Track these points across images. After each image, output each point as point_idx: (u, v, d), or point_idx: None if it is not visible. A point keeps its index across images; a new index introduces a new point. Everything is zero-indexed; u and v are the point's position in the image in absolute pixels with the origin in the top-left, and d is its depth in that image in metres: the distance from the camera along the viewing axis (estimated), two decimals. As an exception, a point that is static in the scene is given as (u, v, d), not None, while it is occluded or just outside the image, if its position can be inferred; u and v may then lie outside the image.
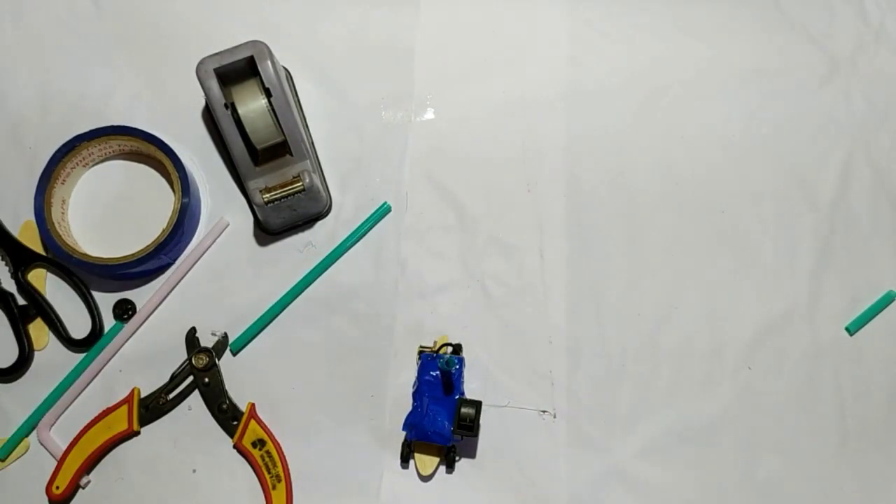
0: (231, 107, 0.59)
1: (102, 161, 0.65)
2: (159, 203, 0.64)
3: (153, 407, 0.61)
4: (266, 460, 0.59)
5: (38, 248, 0.63)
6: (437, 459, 0.59)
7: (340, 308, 0.63)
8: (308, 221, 0.65)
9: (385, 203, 0.65)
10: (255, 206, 0.61)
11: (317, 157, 0.66)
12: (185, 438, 0.61)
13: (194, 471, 0.60)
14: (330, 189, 0.66)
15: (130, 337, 0.62)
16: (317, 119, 0.67)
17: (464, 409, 0.57)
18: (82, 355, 0.62)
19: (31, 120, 0.66)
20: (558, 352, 0.62)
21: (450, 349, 0.61)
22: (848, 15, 0.70)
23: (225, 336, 0.62)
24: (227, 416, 0.60)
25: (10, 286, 0.63)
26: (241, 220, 0.65)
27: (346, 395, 0.61)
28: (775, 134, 0.67)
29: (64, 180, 0.63)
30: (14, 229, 0.64)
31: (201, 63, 0.59)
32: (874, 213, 0.66)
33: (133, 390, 0.61)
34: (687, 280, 0.64)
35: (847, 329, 0.63)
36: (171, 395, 0.61)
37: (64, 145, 0.62)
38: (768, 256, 0.65)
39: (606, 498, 0.59)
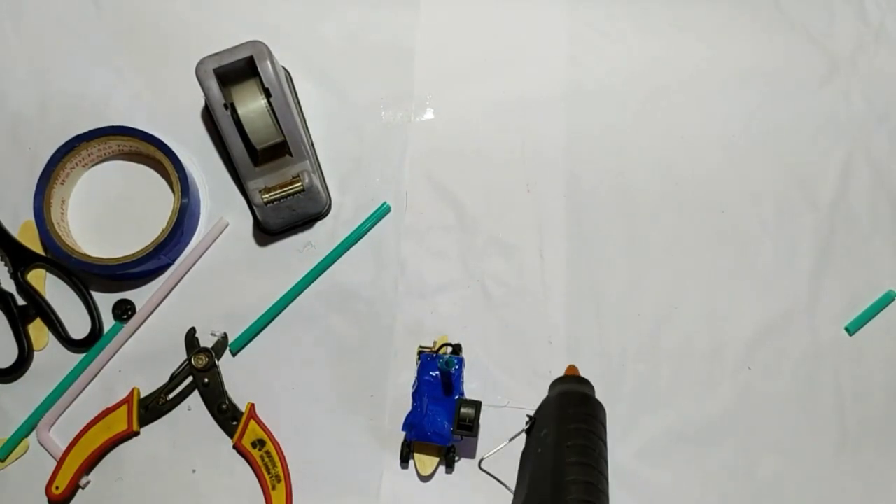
0: (231, 107, 0.59)
1: (102, 161, 0.65)
2: (159, 203, 0.64)
3: (153, 407, 0.61)
4: (266, 460, 0.59)
5: (37, 248, 0.63)
6: (436, 459, 0.59)
7: (340, 308, 0.63)
8: (308, 221, 0.65)
9: (385, 203, 0.65)
10: (254, 207, 0.61)
11: (316, 157, 0.66)
12: (184, 439, 0.60)
13: (194, 471, 0.60)
14: (329, 189, 0.65)
15: (130, 337, 0.62)
16: (316, 119, 0.67)
17: (463, 410, 0.57)
18: (82, 355, 0.62)
19: (30, 120, 0.66)
20: (558, 352, 0.62)
21: (449, 349, 0.61)
22: (848, 15, 0.70)
23: (224, 336, 0.62)
24: (227, 416, 0.60)
25: (10, 286, 0.63)
26: (241, 220, 0.65)
27: (346, 396, 0.61)
28: (775, 134, 0.67)
29: (63, 180, 0.63)
30: (13, 229, 0.64)
31: (201, 63, 0.59)
32: (874, 213, 0.66)
33: (132, 390, 0.61)
34: (687, 280, 0.64)
35: (847, 329, 0.63)
36: (171, 396, 0.61)
37: (63, 145, 0.62)
38: (768, 256, 0.65)
39: (606, 498, 0.59)
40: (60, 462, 0.59)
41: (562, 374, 0.56)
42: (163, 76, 0.67)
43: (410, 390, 0.60)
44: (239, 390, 0.61)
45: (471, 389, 0.61)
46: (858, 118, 0.68)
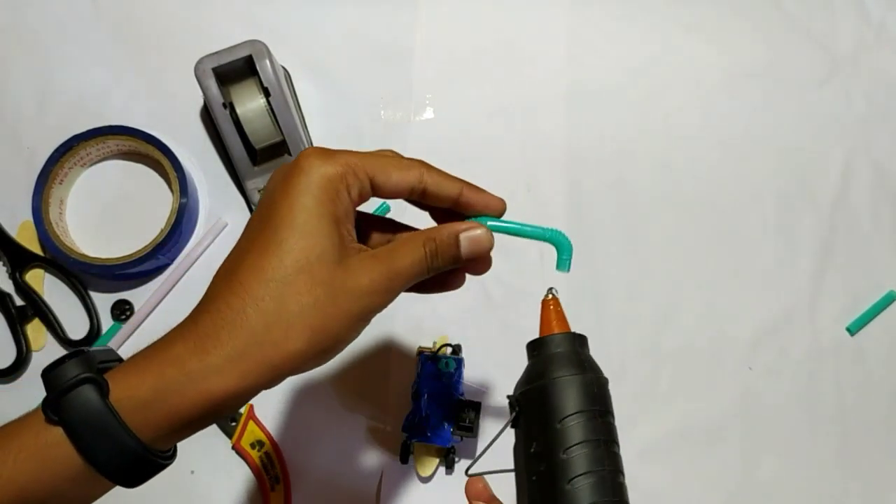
0: (229, 106, 0.59)
1: (100, 161, 0.65)
2: (157, 203, 0.63)
3: (151, 408, 0.60)
4: (265, 461, 0.59)
5: (35, 248, 0.63)
6: (436, 460, 0.59)
7: (339, 308, 0.63)
8: (307, 221, 0.64)
9: (384, 203, 0.65)
10: (253, 207, 0.60)
11: (316, 156, 0.65)
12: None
13: (193, 472, 0.60)
14: (329, 189, 0.65)
15: (129, 337, 0.62)
16: (316, 119, 0.66)
17: (463, 410, 0.57)
18: (80, 356, 0.62)
19: (29, 119, 0.66)
20: (558, 352, 0.62)
21: (449, 349, 0.60)
22: (849, 14, 0.70)
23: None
24: (226, 417, 0.60)
25: (8, 287, 0.62)
26: (240, 220, 0.65)
27: (346, 396, 0.61)
28: (775, 133, 0.67)
29: (62, 180, 0.62)
30: (12, 230, 0.63)
31: (199, 62, 0.58)
32: (875, 213, 0.65)
33: (131, 391, 0.60)
34: (687, 280, 0.64)
35: (848, 329, 0.63)
36: (170, 396, 0.61)
37: (62, 145, 0.61)
38: (769, 256, 0.64)
39: (607, 499, 0.59)
40: (59, 463, 0.58)
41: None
42: (161, 75, 0.67)
43: (410, 390, 0.60)
44: (238, 391, 0.61)
45: (471, 390, 0.61)
46: (859, 117, 0.67)
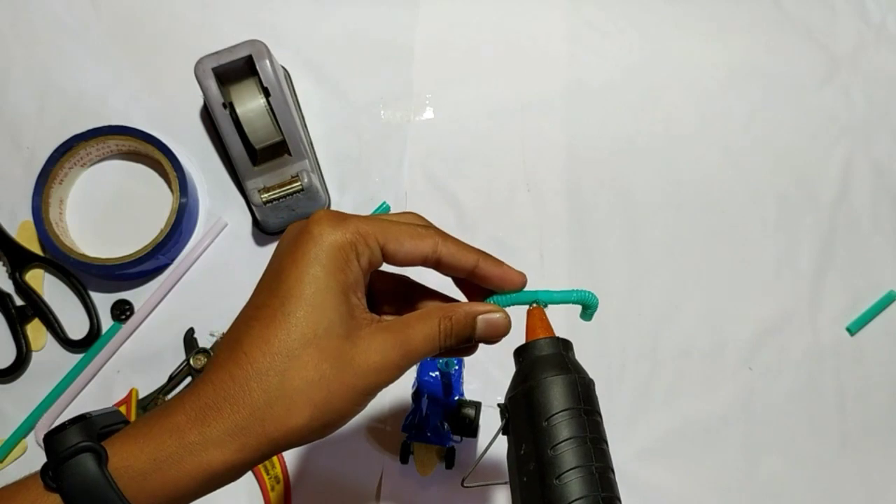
0: (229, 106, 0.59)
1: (100, 161, 0.65)
2: (157, 203, 0.63)
3: (151, 408, 0.60)
4: (265, 462, 0.59)
5: (35, 248, 0.63)
6: (436, 460, 0.59)
7: (339, 308, 0.63)
8: (307, 221, 0.64)
9: (384, 203, 0.65)
10: (253, 206, 0.60)
11: (315, 156, 0.65)
12: (183, 439, 0.60)
13: (193, 472, 0.60)
14: (329, 189, 0.65)
15: (128, 337, 0.62)
16: (315, 118, 0.66)
17: (464, 410, 0.57)
18: (80, 356, 0.61)
19: (28, 119, 0.66)
20: (558, 352, 0.62)
21: (449, 349, 0.60)
22: (849, 14, 0.70)
23: (223, 337, 0.62)
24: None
25: (8, 287, 0.62)
26: (240, 220, 0.65)
27: (346, 396, 0.61)
28: (775, 133, 0.67)
29: (62, 180, 0.62)
30: (12, 230, 0.63)
31: (199, 62, 0.58)
32: (875, 213, 0.65)
33: (131, 391, 0.60)
34: (687, 280, 0.64)
35: (848, 329, 0.63)
36: (170, 396, 0.61)
37: (62, 145, 0.61)
38: (769, 256, 0.64)
39: (607, 499, 0.59)
40: (59, 463, 0.58)
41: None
42: (161, 75, 0.67)
43: (410, 391, 0.60)
44: (238, 391, 0.61)
45: (471, 390, 0.61)
46: (859, 117, 0.68)
